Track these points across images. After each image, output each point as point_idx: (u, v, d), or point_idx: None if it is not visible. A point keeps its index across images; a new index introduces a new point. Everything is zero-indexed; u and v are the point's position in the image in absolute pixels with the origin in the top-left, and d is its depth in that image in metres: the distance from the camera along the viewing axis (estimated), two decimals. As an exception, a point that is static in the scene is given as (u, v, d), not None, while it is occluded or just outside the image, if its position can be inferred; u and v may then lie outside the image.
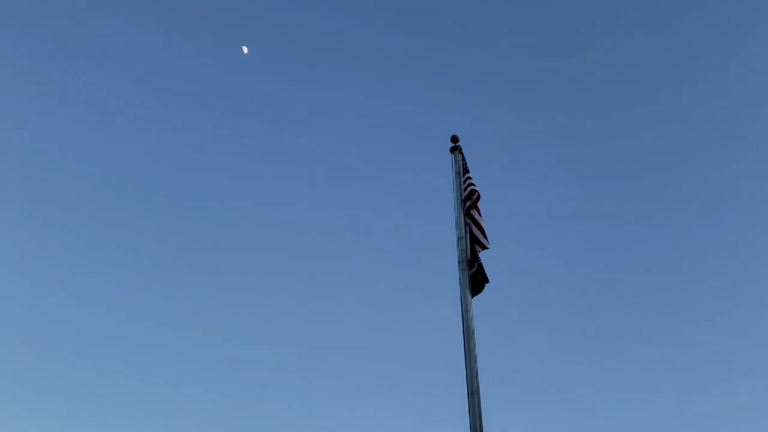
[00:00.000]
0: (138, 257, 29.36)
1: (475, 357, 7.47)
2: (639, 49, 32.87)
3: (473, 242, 8.18)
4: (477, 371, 7.37)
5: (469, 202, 8.40)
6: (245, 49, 29.95)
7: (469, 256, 8.10)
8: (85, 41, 31.74)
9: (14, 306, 26.97)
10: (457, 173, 8.75)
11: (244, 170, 32.33)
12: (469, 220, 8.32)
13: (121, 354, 26.49)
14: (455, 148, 8.94)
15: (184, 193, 31.61)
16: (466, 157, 8.87)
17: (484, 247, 8.15)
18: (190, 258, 29.96)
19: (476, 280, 8.00)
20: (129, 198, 30.54)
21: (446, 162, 8.97)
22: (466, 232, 8.27)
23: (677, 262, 28.94)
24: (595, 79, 32.91)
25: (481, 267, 8.02)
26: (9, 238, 28.42)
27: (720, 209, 29.44)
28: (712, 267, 28.32)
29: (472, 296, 7.91)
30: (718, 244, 28.82)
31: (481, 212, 8.39)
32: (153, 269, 29.41)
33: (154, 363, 26.49)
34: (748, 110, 30.03)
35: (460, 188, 8.61)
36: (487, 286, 8.02)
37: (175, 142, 32.07)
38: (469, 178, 8.57)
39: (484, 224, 8.29)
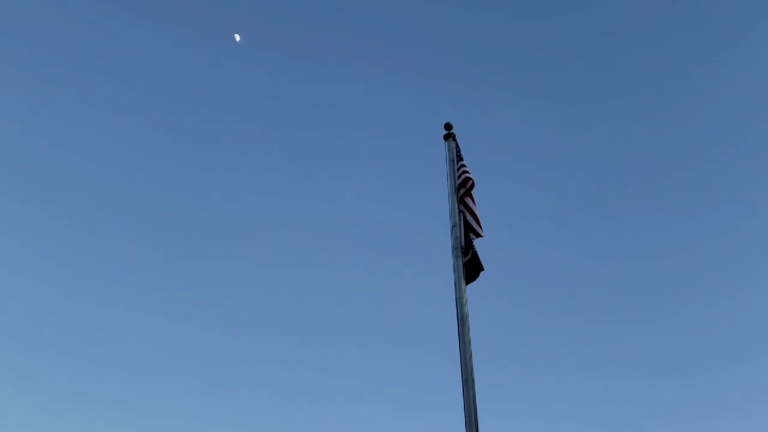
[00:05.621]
0: (133, 250, 29.27)
1: (470, 344, 7.49)
2: (633, 36, 32.85)
3: (467, 230, 8.18)
4: (471, 358, 7.39)
5: (463, 189, 8.38)
6: (237, 38, 29.77)
7: (463, 244, 8.10)
8: (75, 32, 31.47)
9: (15, 301, 26.89)
10: (451, 161, 8.73)
11: (235, 161, 32.21)
12: (463, 208, 8.32)
13: (123, 349, 26.50)
14: (449, 136, 8.92)
15: (175, 185, 31.48)
16: (459, 145, 8.86)
17: (478, 235, 8.15)
18: (184, 251, 29.90)
19: (470, 267, 8.00)
20: (122, 190, 30.41)
21: (440, 150, 8.97)
22: (460, 220, 8.27)
23: (670, 253, 29.06)
24: (590, 67, 32.91)
25: (475, 254, 8.03)
26: (10, 234, 28.28)
27: (714, 199, 29.55)
28: (706, 258, 28.45)
29: (467, 284, 7.91)
30: (711, 234, 28.94)
31: (475, 200, 8.39)
32: (150, 263, 29.34)
33: (156, 359, 26.51)
34: (743, 103, 30.09)
35: (454, 176, 8.60)
36: (481, 273, 8.03)
37: (164, 133, 31.91)
38: (463, 165, 8.56)
39: (478, 212, 8.29)
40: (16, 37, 30.25)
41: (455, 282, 7.92)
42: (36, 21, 30.72)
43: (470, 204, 8.31)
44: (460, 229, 8.21)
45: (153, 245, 29.68)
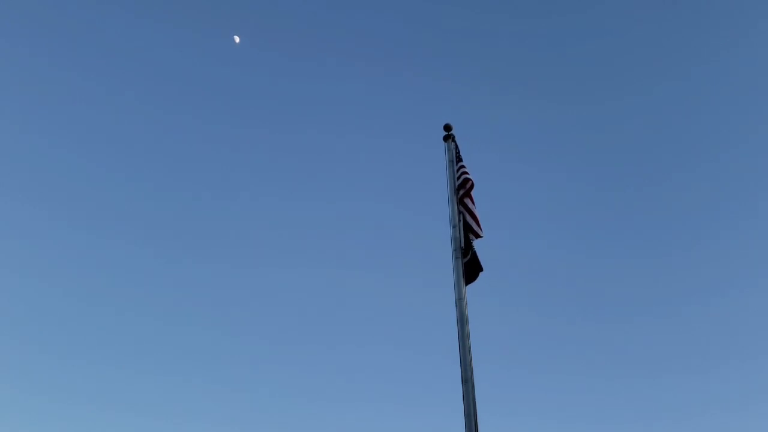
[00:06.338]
0: (137, 253, 29.28)
1: (469, 345, 7.51)
2: (633, 36, 32.87)
3: (467, 231, 8.20)
4: (471, 359, 7.41)
5: (462, 190, 8.41)
6: (237, 39, 29.78)
7: (462, 245, 8.13)
8: (75, 32, 31.47)
9: (15, 301, 26.90)
10: (450, 161, 8.76)
11: (235, 161, 32.21)
12: (462, 209, 8.34)
13: (123, 350, 26.51)
14: (448, 137, 8.95)
15: (175, 185, 31.47)
16: (459, 146, 8.89)
17: (477, 236, 8.18)
18: (184, 251, 29.92)
19: (470, 268, 8.03)
20: (121, 190, 30.41)
21: (439, 151, 8.99)
22: (459, 221, 8.29)
23: (670, 252, 29.07)
24: (590, 67, 32.91)
25: (475, 255, 8.05)
26: (10, 234, 28.29)
27: (714, 199, 29.56)
28: (706, 258, 28.46)
29: (466, 284, 7.94)
30: (711, 234, 28.95)
31: (475, 201, 8.41)
32: (152, 265, 29.34)
33: (155, 359, 26.52)
34: (742, 104, 30.12)
35: (453, 177, 8.63)
36: (481, 274, 8.06)
37: (164, 133, 31.91)
38: (463, 166, 8.58)
39: (477, 213, 8.32)
40: (16, 37, 30.28)
41: (455, 282, 7.94)
42: (36, 21, 30.74)
43: (470, 205, 8.33)
44: (459, 230, 8.24)
45: (153, 245, 29.71)
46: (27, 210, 28.78)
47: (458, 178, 8.53)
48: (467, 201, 8.36)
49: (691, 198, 29.78)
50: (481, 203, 8.43)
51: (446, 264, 8.13)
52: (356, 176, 31.96)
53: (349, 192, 31.43)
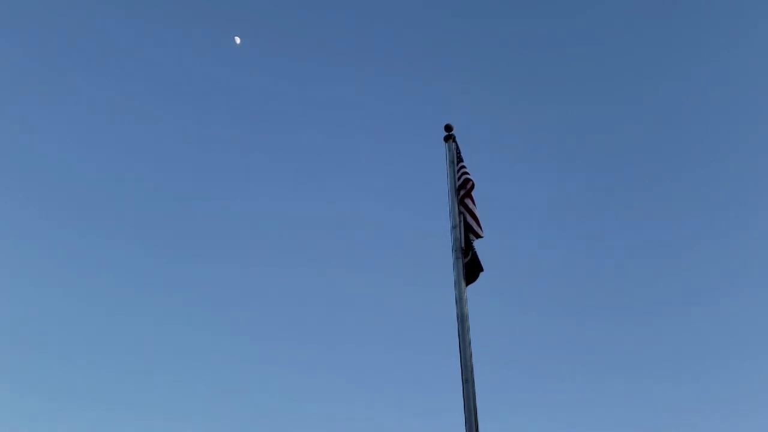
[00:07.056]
0: (136, 253, 29.28)
1: (470, 344, 7.52)
2: (632, 37, 32.89)
3: (467, 231, 8.21)
4: (471, 358, 7.42)
5: (463, 190, 8.42)
6: (237, 40, 29.79)
7: (463, 245, 8.14)
8: (75, 33, 31.47)
9: (15, 302, 26.91)
10: (451, 162, 8.77)
11: (235, 162, 32.21)
12: (463, 209, 8.35)
13: (122, 350, 26.51)
14: (449, 137, 8.96)
15: (176, 186, 31.46)
16: (459, 146, 8.90)
17: (478, 236, 8.19)
18: (184, 252, 29.93)
19: (470, 268, 8.03)
20: (124, 194, 30.42)
21: (440, 151, 9.00)
22: (460, 221, 8.30)
23: (671, 254, 29.07)
24: (590, 67, 32.92)
25: (475, 255, 8.06)
26: (9, 235, 28.29)
27: (714, 200, 29.56)
28: (706, 258, 28.45)
29: (467, 285, 7.95)
30: (712, 235, 28.95)
31: (475, 201, 8.42)
32: (151, 266, 29.33)
33: (154, 359, 26.52)
34: (743, 104, 30.13)
35: (454, 177, 8.64)
36: (481, 274, 8.07)
37: (165, 134, 31.92)
38: (463, 167, 8.59)
39: (478, 213, 8.33)
40: (16, 37, 30.28)
41: (455, 282, 7.95)
42: (36, 21, 30.73)
43: (470, 205, 8.34)
44: (460, 230, 8.24)
45: (152, 245, 29.71)
46: (26, 210, 28.79)
47: (459, 178, 8.54)
48: (468, 201, 8.36)
49: (690, 198, 29.79)
50: (481, 203, 8.45)
51: (446, 264, 8.15)
52: (357, 176, 31.99)
53: (349, 192, 31.46)
